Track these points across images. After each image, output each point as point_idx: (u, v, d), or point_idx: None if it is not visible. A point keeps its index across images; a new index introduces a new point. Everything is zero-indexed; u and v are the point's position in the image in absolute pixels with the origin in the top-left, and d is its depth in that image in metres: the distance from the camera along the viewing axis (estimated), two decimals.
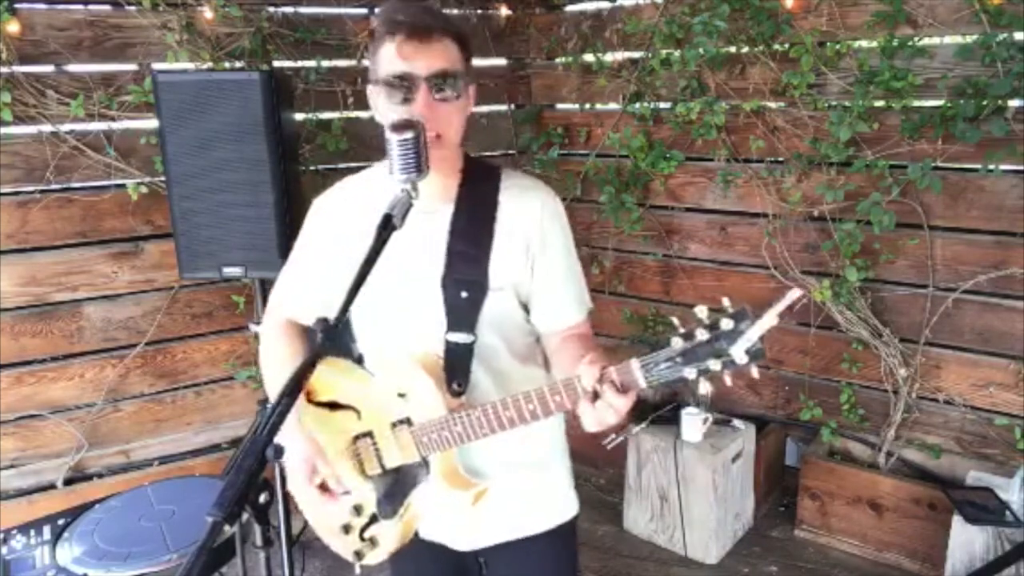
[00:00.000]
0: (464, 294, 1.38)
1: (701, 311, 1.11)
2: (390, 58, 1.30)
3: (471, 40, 1.38)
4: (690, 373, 1.11)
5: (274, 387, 1.48)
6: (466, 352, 1.39)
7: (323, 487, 1.40)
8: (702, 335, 1.10)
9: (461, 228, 1.40)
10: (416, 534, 1.48)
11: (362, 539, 1.47)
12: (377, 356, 1.49)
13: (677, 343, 1.12)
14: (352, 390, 1.44)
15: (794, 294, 1.05)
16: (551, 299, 1.46)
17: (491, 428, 1.28)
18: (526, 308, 1.47)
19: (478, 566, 1.59)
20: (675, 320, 1.14)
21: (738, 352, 1.08)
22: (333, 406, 1.45)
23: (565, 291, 1.47)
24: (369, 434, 1.41)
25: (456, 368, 1.39)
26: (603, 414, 1.17)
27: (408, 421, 1.37)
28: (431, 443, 1.34)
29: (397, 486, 1.42)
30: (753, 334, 1.07)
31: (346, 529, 1.48)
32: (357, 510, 1.46)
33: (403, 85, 1.29)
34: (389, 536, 1.44)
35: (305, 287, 1.53)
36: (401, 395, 1.37)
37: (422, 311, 1.40)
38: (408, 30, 1.28)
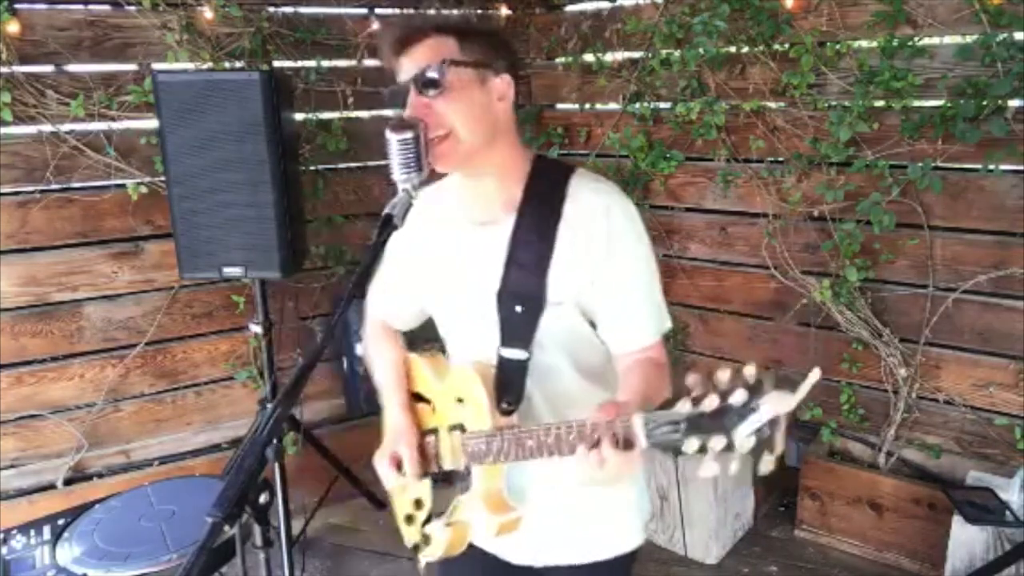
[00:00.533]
0: (519, 308, 1.31)
1: (721, 376, 0.95)
2: (396, 73, 1.30)
3: (485, 33, 1.31)
4: (690, 446, 0.97)
5: (379, 387, 1.53)
6: (519, 369, 1.33)
7: (398, 465, 1.40)
8: (710, 403, 0.95)
9: (522, 238, 1.31)
10: (471, 544, 1.45)
11: (420, 533, 1.47)
12: (451, 358, 1.51)
13: (684, 405, 0.98)
14: (432, 384, 1.45)
15: (815, 375, 0.91)
16: (616, 315, 1.33)
17: (519, 454, 1.22)
18: (593, 324, 1.36)
19: None
20: (689, 379, 0.98)
21: (741, 436, 0.92)
22: (419, 397, 1.48)
23: (633, 307, 1.34)
24: (435, 431, 1.42)
25: (508, 385, 1.33)
26: (593, 463, 1.07)
27: (461, 427, 1.34)
28: (474, 454, 1.30)
29: (447, 490, 1.40)
30: (762, 415, 0.90)
31: (409, 520, 1.49)
32: (417, 504, 1.47)
33: (400, 93, 1.26)
34: (440, 538, 1.41)
35: (388, 294, 1.57)
36: (460, 400, 1.35)
37: (479, 325, 1.36)
38: (392, 44, 1.27)
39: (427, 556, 1.46)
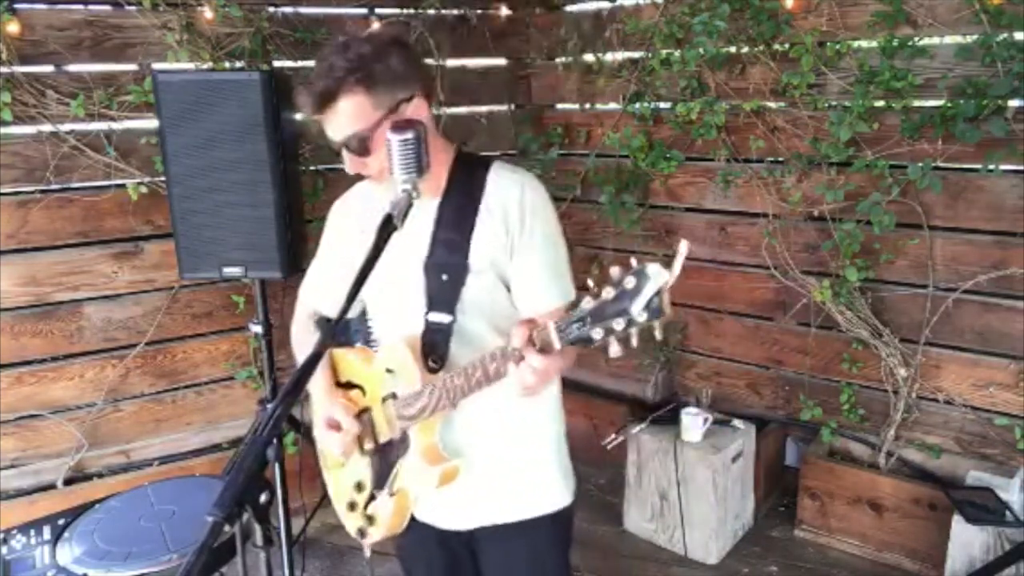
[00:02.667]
0: (444, 277, 1.45)
1: (615, 272, 1.09)
2: None
3: (389, 63, 1.37)
4: (596, 333, 1.10)
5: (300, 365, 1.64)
6: (444, 331, 1.46)
7: (336, 428, 1.52)
8: (608, 294, 1.09)
9: (446, 217, 1.46)
10: (412, 517, 1.58)
11: (364, 516, 1.58)
12: (379, 337, 1.62)
13: (587, 303, 1.11)
14: (361, 369, 1.58)
15: (684, 247, 1.04)
16: (529, 283, 1.48)
17: (450, 397, 1.36)
18: (510, 288, 1.50)
19: (470, 548, 1.64)
20: (590, 281, 1.13)
21: (637, 310, 1.06)
22: (348, 386, 1.61)
23: (545, 276, 1.48)
24: (368, 410, 1.54)
25: (434, 346, 1.46)
26: (524, 374, 1.22)
27: (394, 396, 1.47)
28: (408, 416, 1.44)
29: (386, 460, 1.52)
30: (649, 290, 1.04)
31: (351, 506, 1.62)
32: (358, 487, 1.59)
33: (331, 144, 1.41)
34: (384, 512, 1.53)
35: (321, 282, 1.69)
36: (389, 371, 1.48)
37: (407, 295, 1.48)
38: (311, 106, 1.36)
39: (372, 537, 1.57)
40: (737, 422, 3.17)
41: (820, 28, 2.88)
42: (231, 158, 2.41)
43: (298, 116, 2.42)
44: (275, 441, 1.04)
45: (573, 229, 3.79)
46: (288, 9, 3.13)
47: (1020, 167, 2.62)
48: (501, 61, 3.84)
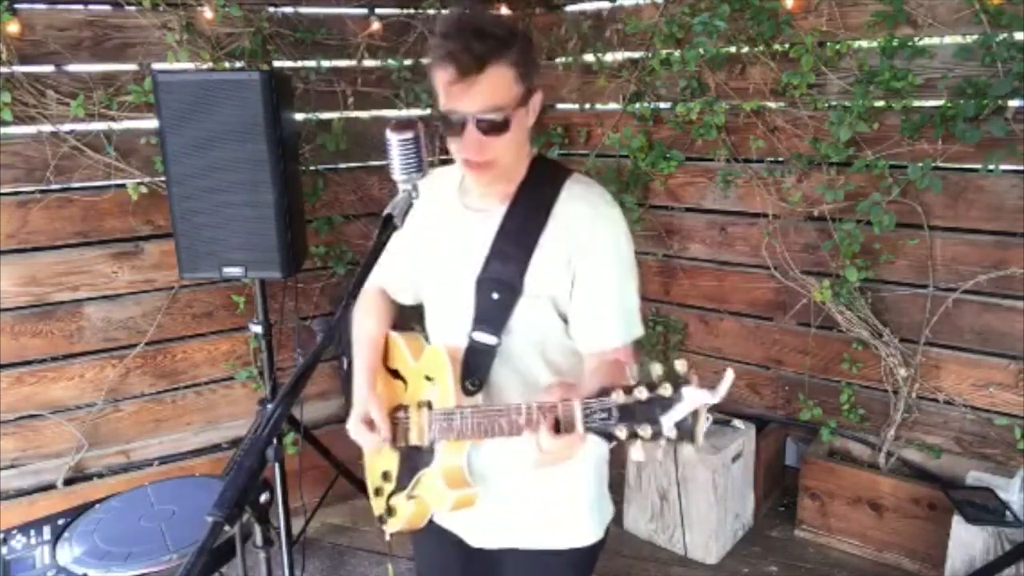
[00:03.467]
0: (495, 295, 1.36)
1: (656, 368, 1.02)
2: (442, 89, 1.29)
3: (530, 50, 1.32)
4: (621, 432, 1.03)
5: (355, 356, 1.59)
6: (487, 353, 1.38)
7: (371, 427, 1.46)
8: (640, 394, 1.02)
9: (509, 230, 1.37)
10: (432, 520, 1.54)
11: (387, 504, 1.56)
12: (431, 335, 1.56)
13: (618, 396, 1.04)
14: (407, 362, 1.52)
15: (729, 376, 0.98)
16: (589, 316, 1.38)
17: (483, 431, 1.28)
18: (565, 320, 1.40)
19: (488, 564, 1.59)
20: (630, 369, 1.05)
21: (668, 423, 0.99)
22: (395, 374, 1.56)
23: (607, 310, 1.38)
24: (405, 407, 1.49)
25: (474, 367, 1.38)
26: (539, 443, 1.14)
27: (429, 404, 1.41)
28: (439, 430, 1.37)
29: (412, 464, 1.47)
30: (684, 408, 0.98)
31: (377, 491, 1.59)
32: (385, 476, 1.56)
33: (454, 121, 1.28)
34: (403, 511, 1.50)
35: (390, 261, 1.55)
36: (429, 379, 1.43)
37: (456, 306, 1.41)
38: (456, 68, 1.23)
39: (391, 527, 1.55)
40: (737, 422, 3.17)
41: (820, 28, 2.88)
42: (231, 158, 2.41)
43: (298, 116, 2.42)
44: (275, 441, 1.04)
45: None
46: (288, 9, 3.12)
47: (1020, 167, 2.62)
48: None
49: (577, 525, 1.53)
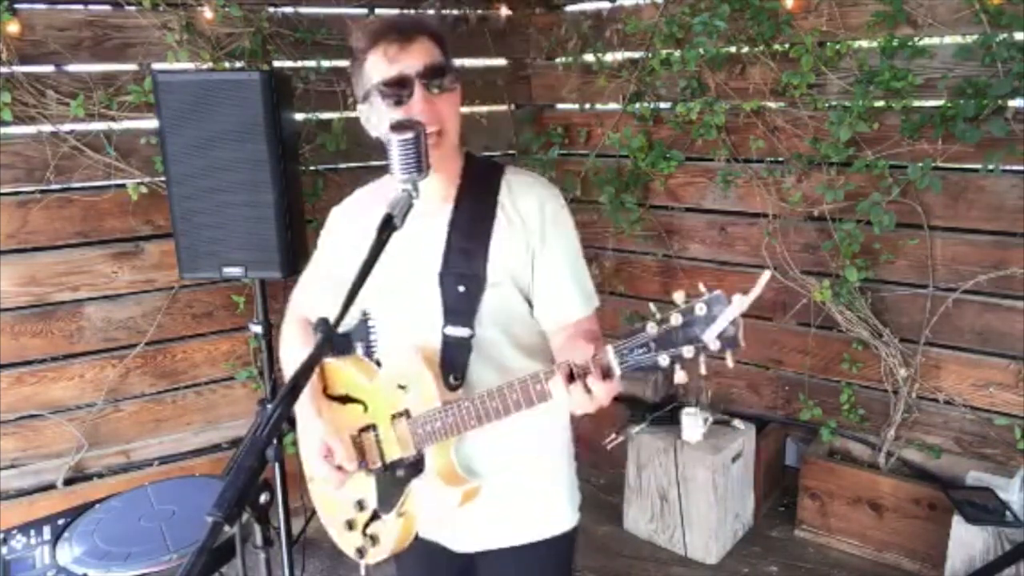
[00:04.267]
0: (461, 288, 1.39)
1: (679, 296, 1.08)
2: (378, 66, 1.33)
3: (447, 39, 1.40)
4: (663, 360, 1.09)
5: (284, 374, 1.60)
6: (464, 346, 1.40)
7: (339, 467, 1.41)
8: (676, 320, 1.08)
9: (461, 225, 1.41)
10: (416, 535, 1.50)
11: (364, 535, 1.50)
12: (385, 350, 1.55)
13: (652, 328, 1.09)
14: (361, 383, 1.49)
15: (765, 277, 1.04)
16: (553, 294, 1.44)
17: (479, 418, 1.30)
18: (529, 303, 1.45)
19: (473, 569, 1.60)
20: (652, 306, 1.12)
21: (710, 337, 1.05)
22: (344, 400, 1.51)
23: (568, 286, 1.44)
24: (373, 427, 1.45)
25: (453, 362, 1.40)
26: (579, 398, 1.17)
27: (407, 413, 1.39)
28: (425, 435, 1.37)
29: (396, 481, 1.44)
30: (725, 319, 1.04)
31: (350, 525, 1.52)
32: (360, 505, 1.50)
33: (397, 87, 1.32)
34: (389, 533, 1.46)
35: (317, 288, 1.62)
36: (401, 387, 1.41)
37: (422, 307, 1.42)
38: (390, 35, 1.31)
39: (375, 556, 1.49)
40: (737, 422, 3.18)
41: (820, 28, 2.88)
42: (231, 158, 2.41)
43: (298, 116, 2.41)
44: (275, 441, 1.04)
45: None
46: (288, 9, 3.12)
47: (1020, 167, 2.62)
48: (501, 61, 3.84)
49: (556, 512, 1.57)
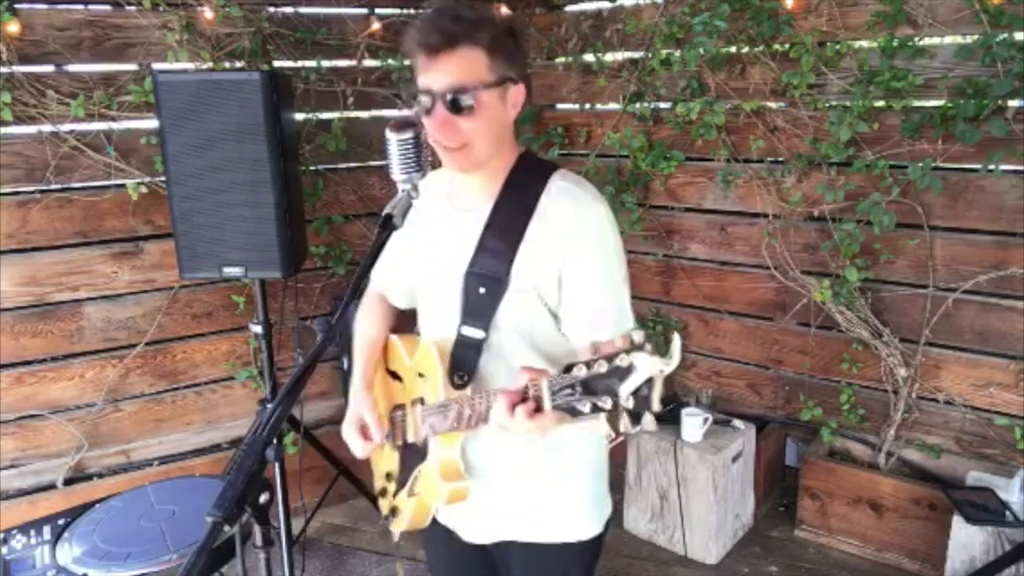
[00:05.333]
0: (482, 290, 1.37)
1: (617, 343, 0.99)
2: (418, 70, 1.32)
3: (509, 39, 1.32)
4: (584, 406, 1.01)
5: (355, 345, 1.64)
6: (474, 347, 1.39)
7: (365, 434, 1.49)
8: (600, 367, 0.99)
9: (495, 224, 1.38)
10: (435, 519, 1.56)
11: (391, 504, 1.58)
12: (422, 333, 1.57)
13: (580, 370, 1.02)
14: (403, 362, 1.56)
15: (677, 341, 0.98)
16: (580, 312, 1.37)
17: (460, 424, 1.32)
18: (555, 316, 1.40)
19: (492, 561, 1.60)
20: (590, 347, 1.04)
21: (625, 393, 0.97)
22: (394, 375, 1.60)
23: (594, 305, 1.37)
24: (403, 406, 1.52)
25: (461, 361, 1.40)
26: (501, 420, 1.14)
27: (422, 400, 1.44)
28: (430, 425, 1.40)
29: (411, 461, 1.49)
30: (638, 377, 0.95)
31: (383, 492, 1.61)
32: (389, 476, 1.59)
33: (425, 98, 1.30)
34: (407, 509, 1.52)
35: (387, 266, 1.58)
36: (421, 375, 1.46)
37: (444, 301, 1.43)
38: (430, 39, 1.27)
39: (396, 527, 1.56)
40: (737, 422, 3.17)
41: (820, 28, 2.88)
42: (231, 158, 2.41)
43: (298, 116, 2.41)
44: (275, 441, 1.04)
45: None
46: (288, 9, 3.12)
47: (1020, 167, 2.62)
48: None
49: (575, 520, 1.53)
